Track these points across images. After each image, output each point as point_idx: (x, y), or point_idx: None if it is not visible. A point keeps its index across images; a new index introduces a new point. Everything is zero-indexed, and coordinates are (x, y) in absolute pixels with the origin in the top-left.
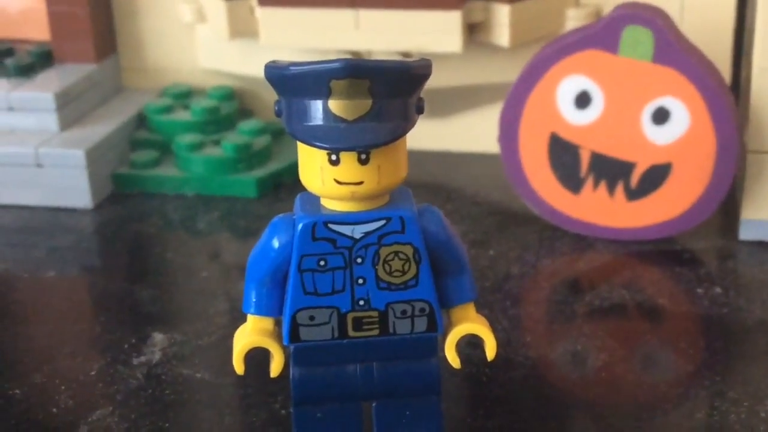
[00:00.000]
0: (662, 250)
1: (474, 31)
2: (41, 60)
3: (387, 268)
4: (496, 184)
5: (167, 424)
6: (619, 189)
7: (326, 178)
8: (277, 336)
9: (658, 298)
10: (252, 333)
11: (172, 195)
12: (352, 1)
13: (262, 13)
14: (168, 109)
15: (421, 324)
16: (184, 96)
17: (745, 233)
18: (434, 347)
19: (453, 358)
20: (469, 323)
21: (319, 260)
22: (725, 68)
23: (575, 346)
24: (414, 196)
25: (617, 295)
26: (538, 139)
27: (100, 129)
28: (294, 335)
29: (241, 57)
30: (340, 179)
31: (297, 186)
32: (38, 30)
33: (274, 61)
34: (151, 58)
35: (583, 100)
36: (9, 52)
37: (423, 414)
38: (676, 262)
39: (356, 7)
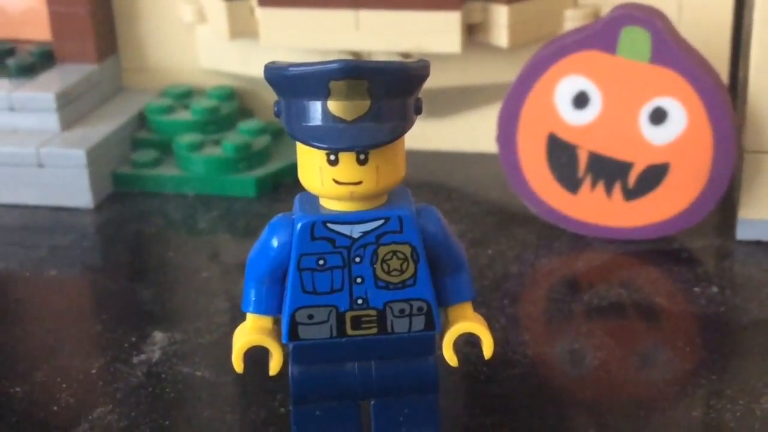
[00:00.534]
0: (660, 250)
1: (473, 32)
2: (42, 60)
3: (385, 267)
4: (495, 184)
5: (167, 422)
6: (617, 189)
7: (325, 178)
8: (276, 334)
9: (656, 297)
10: (251, 332)
11: (173, 194)
12: (352, 2)
13: (262, 14)
14: (168, 109)
15: (419, 323)
16: (184, 96)
17: (743, 233)
18: (432, 346)
19: (450, 357)
20: (467, 322)
21: (318, 259)
22: (723, 69)
23: (573, 344)
24: (413, 196)
25: (615, 294)
26: (537, 139)
27: (100, 129)
28: (293, 334)
29: (241, 57)
30: (338, 179)
31: (296, 186)
32: (39, 30)
33: (273, 62)
34: (152, 58)
35: (581, 101)
36: (10, 52)
37: (421, 412)
38: (673, 261)
39: (356, 8)
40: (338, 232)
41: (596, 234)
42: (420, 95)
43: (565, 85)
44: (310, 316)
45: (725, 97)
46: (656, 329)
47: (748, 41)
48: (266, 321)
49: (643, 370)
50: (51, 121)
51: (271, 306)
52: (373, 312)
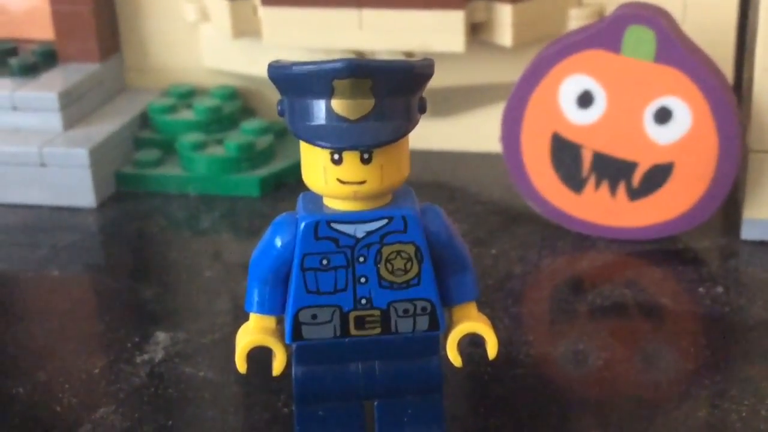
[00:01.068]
0: (664, 250)
1: (477, 31)
2: (45, 59)
3: (389, 267)
4: (499, 184)
5: (170, 422)
6: (621, 188)
7: (329, 178)
8: (280, 335)
9: (660, 298)
10: (254, 332)
11: (176, 194)
12: (355, 1)
13: (265, 13)
14: (171, 109)
15: (422, 323)
16: (187, 95)
17: (747, 233)
18: (436, 346)
19: (454, 357)
20: (471, 322)
21: (322, 259)
22: (728, 68)
23: (577, 344)
24: (417, 195)
25: (619, 294)
26: (541, 139)
27: (103, 128)
28: (296, 334)
29: (244, 56)
30: (342, 178)
31: (300, 185)
32: (42, 29)
33: (277, 61)
34: (155, 58)
35: (585, 100)
36: (13, 51)
37: (425, 412)
38: (677, 261)
39: (359, 7)
40: (342, 232)
41: (600, 234)
42: (424, 94)
43: (570, 84)
44: (314, 316)
45: (730, 96)
46: (660, 329)
47: (753, 41)
48: (269, 321)
49: (647, 371)
50: (54, 120)
51: (274, 306)
52: (376, 312)
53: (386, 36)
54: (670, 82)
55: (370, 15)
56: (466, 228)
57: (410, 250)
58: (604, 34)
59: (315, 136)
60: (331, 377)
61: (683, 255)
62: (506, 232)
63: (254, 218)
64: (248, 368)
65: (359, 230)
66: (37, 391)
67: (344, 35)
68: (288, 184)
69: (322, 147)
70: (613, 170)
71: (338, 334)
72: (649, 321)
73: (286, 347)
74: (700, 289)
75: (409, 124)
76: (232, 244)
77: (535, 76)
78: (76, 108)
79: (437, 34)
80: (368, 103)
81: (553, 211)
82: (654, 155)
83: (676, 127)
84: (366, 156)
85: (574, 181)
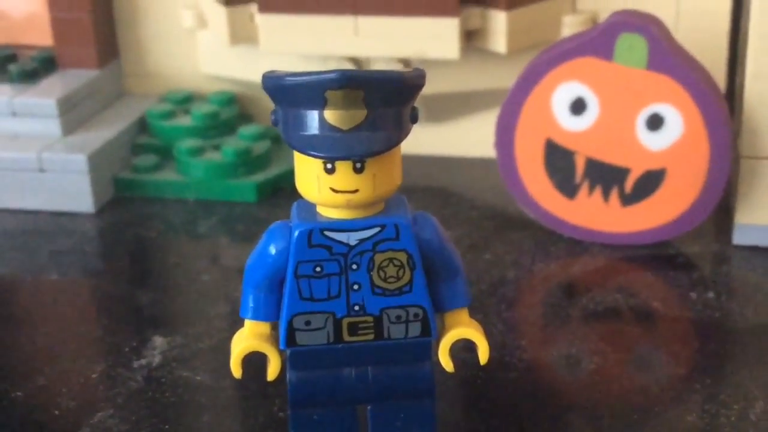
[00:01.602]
0: (656, 255)
1: (471, 38)
2: (44, 65)
3: (382, 274)
4: (493, 189)
5: (167, 426)
6: (614, 194)
7: (322, 187)
8: (274, 340)
9: (652, 302)
10: (249, 337)
11: (173, 199)
12: (351, 8)
13: (262, 20)
14: (169, 115)
15: (415, 329)
16: (184, 101)
17: (739, 238)
18: (428, 351)
19: (446, 363)
20: (463, 328)
21: (315, 266)
22: (720, 75)
23: (570, 349)
24: (412, 201)
25: (611, 298)
26: (534, 145)
27: (102, 134)
28: (290, 340)
29: (241, 63)
30: (335, 187)
31: (296, 191)
32: (41, 36)
33: (271, 72)
34: (153, 64)
35: (578, 107)
36: (12, 57)
37: (417, 417)
38: (670, 266)
39: (355, 14)
40: (335, 240)
41: (593, 239)
42: (418, 101)
43: (563, 91)
44: (308, 323)
45: (721, 103)
46: (652, 334)
47: (745, 48)
48: (264, 327)
49: (639, 375)
50: (52, 126)
51: (268, 312)
52: (369, 318)
53: (382, 43)
54: (662, 89)
55: (365, 22)
56: (460, 233)
57: (402, 257)
58: (597, 42)
59: (308, 146)
60: (325, 382)
61: (675, 260)
62: (500, 237)
63: (251, 223)
64: (244, 373)
65: (352, 238)
66: (35, 395)
67: (340, 42)
68: (285, 189)
69: (315, 157)
70: (606, 176)
71: (332, 340)
72: (641, 325)
73: (281, 353)
74: (692, 294)
75: (401, 134)
76: (230, 249)
77: (529, 82)
78: (74, 114)
79: (432, 40)
80: (360, 114)
81: (547, 217)
82: (646, 161)
83: (668, 133)
84: (358, 165)
85: (567, 186)
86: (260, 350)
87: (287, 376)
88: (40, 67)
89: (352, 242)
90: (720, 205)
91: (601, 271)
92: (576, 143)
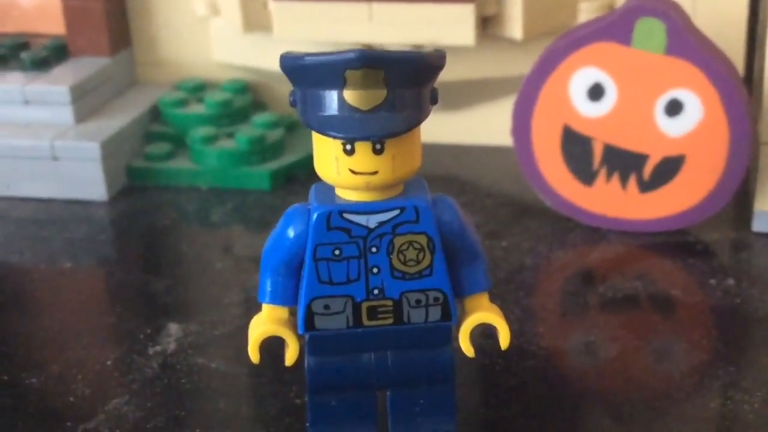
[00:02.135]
0: (675, 242)
1: (487, 24)
2: (56, 54)
3: (401, 257)
4: (510, 176)
5: (182, 413)
6: (632, 181)
7: (341, 168)
8: (292, 325)
9: (671, 290)
10: (267, 322)
11: (186, 187)
12: None
13: (275, 7)
14: (182, 103)
15: (435, 313)
16: (198, 89)
17: (759, 225)
18: (448, 336)
19: (467, 348)
20: (483, 312)
21: (334, 249)
22: (738, 60)
23: (588, 336)
24: (428, 188)
25: (630, 286)
26: (551, 132)
27: (114, 122)
28: (309, 324)
29: (254, 50)
30: (355, 169)
31: (310, 178)
32: (53, 24)
33: (289, 52)
34: (165, 52)
35: (596, 93)
36: (25, 45)
37: (437, 403)
38: (689, 253)
39: (369, 0)
40: (354, 222)
41: (611, 226)
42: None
43: (580, 77)
44: (326, 307)
45: (741, 88)
46: (672, 321)
47: (764, 33)
48: (282, 311)
49: (658, 362)
50: (65, 114)
51: (286, 296)
52: (389, 302)
53: (396, 29)
54: (681, 74)
55: (380, 8)
56: (477, 221)
57: (422, 240)
58: (615, 27)
59: (327, 127)
60: (344, 367)
61: (694, 247)
62: (517, 225)
63: (265, 211)
64: (260, 359)
65: (371, 220)
66: (50, 382)
67: (354, 28)
68: (298, 177)
69: (335, 137)
70: (623, 163)
71: (351, 324)
72: (660, 313)
73: (299, 338)
74: (711, 281)
75: (421, 114)
76: (243, 236)
77: (546, 68)
78: (87, 102)
79: (447, 27)
80: (380, 94)
81: (564, 204)
82: (665, 147)
83: (686, 119)
84: (378, 146)
85: (584, 173)
86: (278, 335)
87: (305, 361)
88: (52, 55)
89: (372, 225)
90: (739, 192)
91: (619, 259)
92: (594, 129)
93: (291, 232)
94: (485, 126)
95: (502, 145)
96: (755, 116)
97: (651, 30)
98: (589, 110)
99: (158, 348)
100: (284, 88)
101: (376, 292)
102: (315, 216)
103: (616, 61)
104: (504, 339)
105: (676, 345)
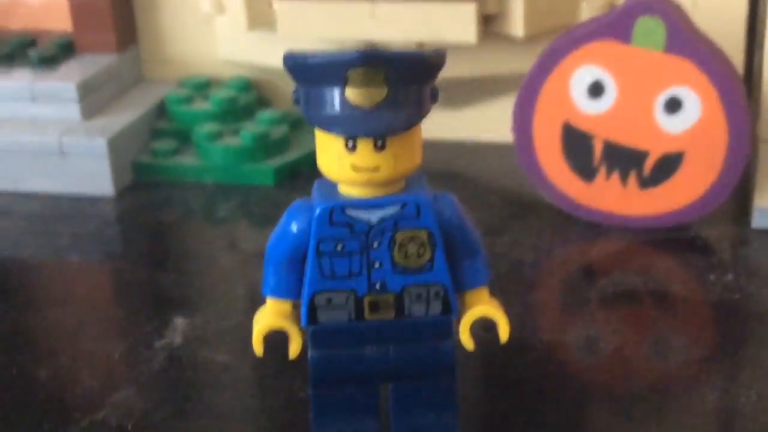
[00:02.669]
0: (675, 238)
1: (489, 22)
2: (63, 51)
3: (403, 252)
4: (511, 173)
5: (188, 405)
6: (632, 177)
7: (343, 164)
8: (296, 318)
9: (671, 285)
10: (271, 315)
11: (192, 183)
12: None
13: (280, 5)
14: (188, 100)
15: (435, 307)
16: (203, 86)
17: (758, 221)
18: (449, 330)
19: (467, 341)
20: (483, 306)
21: (337, 244)
22: (738, 58)
23: (589, 331)
24: (430, 185)
25: (630, 281)
26: (552, 129)
27: (121, 118)
28: (312, 317)
29: (259, 48)
30: (357, 165)
31: (314, 174)
32: (60, 21)
33: (292, 51)
34: (171, 49)
35: (596, 90)
36: (32, 42)
37: (438, 395)
38: (688, 249)
39: None
40: (356, 218)
41: (611, 222)
42: (436, 84)
43: (581, 74)
44: (329, 300)
45: (740, 86)
46: (671, 316)
47: (763, 31)
48: (286, 305)
49: (657, 356)
50: (72, 110)
51: (290, 290)
52: (390, 296)
53: (399, 27)
54: (680, 72)
55: (382, 6)
56: (478, 217)
57: (423, 235)
58: (615, 25)
59: (330, 124)
60: (347, 360)
61: (694, 243)
62: (518, 221)
63: (269, 207)
64: (264, 352)
65: (373, 216)
66: (58, 374)
67: (357, 26)
68: (302, 173)
69: (337, 134)
70: (624, 159)
71: (353, 317)
72: (659, 308)
73: (302, 331)
74: (711, 277)
75: (422, 112)
76: (248, 232)
77: (547, 66)
78: (94, 98)
79: (449, 25)
80: (381, 92)
81: (565, 200)
82: (664, 144)
83: (686, 116)
84: (379, 143)
85: (585, 170)
86: (282, 328)
87: (308, 354)
88: (59, 52)
89: (373, 220)
90: (738, 189)
91: (619, 254)
92: (594, 126)
93: (294, 227)
94: (487, 123)
95: (504, 142)
96: (754, 113)
97: (651, 28)
98: (589, 107)
99: (164, 341)
100: (288, 85)
101: (377, 286)
102: (318, 211)
103: (616, 59)
104: (503, 332)
105: (675, 339)
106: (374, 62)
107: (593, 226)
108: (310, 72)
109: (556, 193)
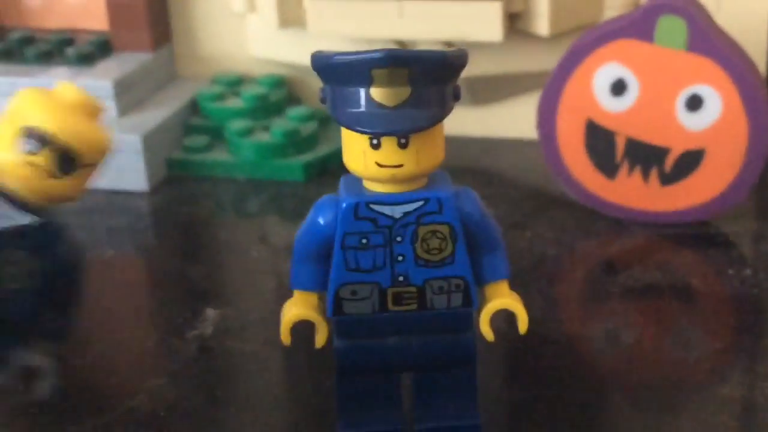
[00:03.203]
0: (695, 233)
1: (514, 21)
2: (100, 49)
3: (425, 246)
4: (535, 169)
5: (219, 393)
6: (654, 174)
7: (368, 161)
8: (322, 309)
9: (690, 279)
10: (298, 306)
11: (224, 179)
12: None
13: (310, 3)
14: (220, 96)
15: (456, 299)
16: (235, 83)
17: None
18: (469, 321)
19: (487, 332)
20: (503, 299)
21: (362, 238)
22: (761, 57)
23: (609, 324)
24: (455, 180)
25: (650, 276)
26: (575, 126)
27: (155, 115)
28: (337, 309)
29: (289, 45)
30: (381, 162)
31: (342, 170)
32: (97, 20)
33: (319, 51)
34: (204, 47)
35: (618, 88)
36: (70, 41)
37: (459, 385)
38: (708, 244)
39: None
40: (381, 213)
41: (633, 218)
42: (462, 83)
43: (604, 72)
44: (354, 292)
45: (760, 84)
46: (690, 310)
47: None
48: (312, 297)
49: (676, 349)
50: (109, 107)
51: (317, 282)
52: (413, 289)
53: (426, 26)
54: (702, 70)
55: (410, 5)
56: (502, 211)
57: (445, 230)
58: (638, 24)
59: (355, 123)
60: (370, 350)
61: (714, 238)
62: (541, 216)
63: (299, 202)
64: (292, 342)
65: (397, 211)
66: (94, 363)
67: (385, 25)
68: (331, 168)
69: (362, 132)
70: (645, 156)
71: (377, 309)
72: (679, 302)
73: (328, 321)
74: (730, 271)
75: (444, 111)
76: (278, 226)
77: (571, 64)
78: (129, 96)
79: (476, 23)
80: (405, 91)
81: (587, 196)
82: (686, 141)
83: (707, 114)
84: (403, 141)
85: (607, 166)
86: (308, 319)
87: (334, 344)
88: (96, 50)
89: (397, 215)
90: (759, 185)
91: (640, 249)
92: (616, 124)
93: (321, 222)
94: (512, 119)
95: (528, 138)
96: None
97: (673, 27)
98: (612, 105)
99: (196, 332)
100: (318, 82)
101: (401, 279)
102: (343, 206)
103: (639, 57)
104: (522, 324)
105: (694, 333)
106: (398, 62)
107: (615, 222)
108: (336, 72)
109: (579, 188)
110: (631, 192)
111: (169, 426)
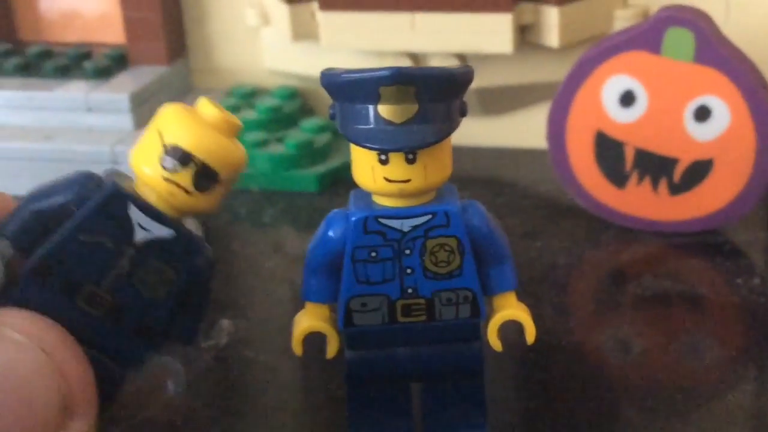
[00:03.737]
0: (704, 243)
1: (525, 33)
2: (117, 62)
3: (433, 259)
4: (545, 179)
5: (233, 403)
6: (663, 184)
7: (377, 177)
8: (333, 321)
9: (699, 288)
10: (310, 318)
11: (238, 190)
12: (409, 5)
13: (323, 17)
14: (234, 108)
15: (465, 310)
16: (249, 96)
17: None
18: (477, 332)
19: (495, 343)
20: (510, 310)
21: (371, 252)
22: None
23: (618, 332)
24: (467, 190)
25: (659, 285)
26: (585, 136)
27: None
28: (348, 321)
29: (303, 58)
30: (389, 177)
31: (354, 181)
32: (114, 34)
33: (329, 69)
34: (219, 60)
35: (627, 99)
36: (87, 55)
37: (467, 394)
38: (717, 253)
39: (412, 11)
40: (389, 227)
41: (642, 227)
42: (474, 94)
43: (613, 84)
44: (364, 304)
45: (767, 94)
46: (699, 319)
47: None
48: (324, 309)
49: (685, 358)
50: (125, 120)
51: (328, 295)
52: (422, 300)
53: (438, 38)
54: (709, 81)
55: (422, 18)
56: (513, 221)
57: (453, 243)
58: (646, 36)
59: (364, 139)
60: (380, 361)
61: (723, 248)
62: (552, 226)
63: (312, 212)
64: (304, 353)
65: (405, 225)
66: None
67: (398, 38)
68: (344, 179)
69: (370, 149)
70: (654, 166)
71: (386, 320)
72: (688, 311)
73: (339, 333)
74: (738, 280)
75: (451, 126)
76: (292, 237)
77: (580, 76)
78: (146, 108)
79: (486, 36)
80: (412, 108)
81: (597, 206)
82: (694, 152)
83: (715, 124)
84: (411, 156)
85: (617, 176)
86: (320, 330)
87: (345, 355)
88: (113, 64)
89: (405, 229)
90: (767, 195)
91: (649, 258)
92: (625, 134)
93: (331, 236)
94: (522, 130)
95: (539, 149)
96: None
97: (680, 39)
98: (621, 116)
99: (211, 342)
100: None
101: (410, 291)
102: (353, 221)
103: (647, 68)
104: (530, 335)
105: (703, 342)
106: (405, 80)
107: (625, 231)
108: (345, 89)
109: (589, 198)
110: (641, 202)
111: None
